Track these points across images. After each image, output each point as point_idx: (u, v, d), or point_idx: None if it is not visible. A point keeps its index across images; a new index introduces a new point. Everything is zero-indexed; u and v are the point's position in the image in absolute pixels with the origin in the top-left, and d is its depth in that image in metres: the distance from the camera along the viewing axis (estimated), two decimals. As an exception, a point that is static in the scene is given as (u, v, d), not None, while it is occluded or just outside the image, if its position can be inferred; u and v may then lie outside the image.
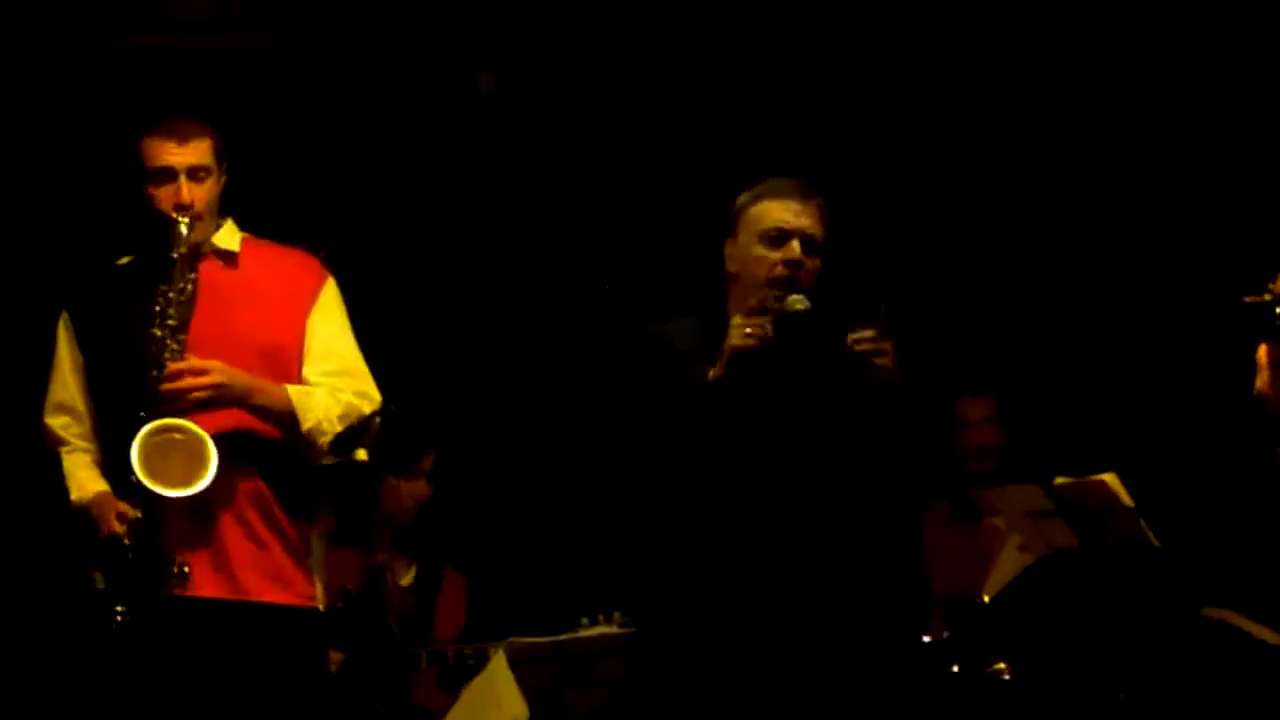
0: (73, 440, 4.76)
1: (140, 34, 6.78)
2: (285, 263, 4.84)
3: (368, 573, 6.20)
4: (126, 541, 4.50)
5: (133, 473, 4.47)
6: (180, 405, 4.52)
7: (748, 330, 4.18)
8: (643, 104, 7.01)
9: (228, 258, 4.77)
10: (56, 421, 4.79)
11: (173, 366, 4.54)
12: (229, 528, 4.63)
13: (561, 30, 6.97)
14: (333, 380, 4.75)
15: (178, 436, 4.50)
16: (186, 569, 4.52)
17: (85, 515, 4.62)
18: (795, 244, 4.28)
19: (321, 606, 4.81)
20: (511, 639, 5.39)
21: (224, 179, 4.76)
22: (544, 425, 6.90)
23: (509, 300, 7.13)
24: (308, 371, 4.76)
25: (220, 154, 4.74)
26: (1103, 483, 5.49)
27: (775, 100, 6.97)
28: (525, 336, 7.10)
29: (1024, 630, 5.81)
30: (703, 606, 4.27)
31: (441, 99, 7.04)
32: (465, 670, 5.80)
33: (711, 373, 4.20)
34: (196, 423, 4.53)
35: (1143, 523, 5.51)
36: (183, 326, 4.60)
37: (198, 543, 4.58)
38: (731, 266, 4.37)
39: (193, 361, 4.56)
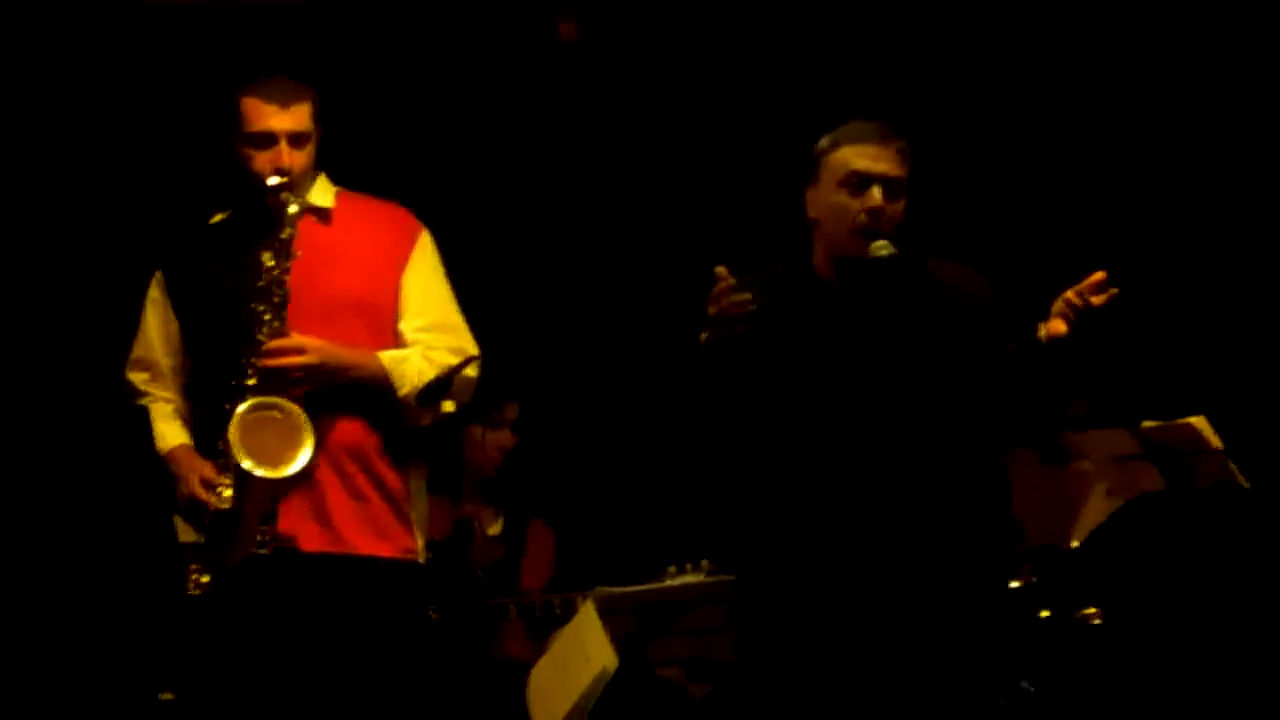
0: (153, 392, 4.79)
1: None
2: (379, 217, 4.84)
3: (456, 523, 6.22)
4: (210, 509, 4.53)
5: (227, 449, 4.51)
6: (278, 384, 4.55)
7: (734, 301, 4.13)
8: (719, 54, 6.98)
9: (322, 214, 4.77)
10: (137, 376, 4.82)
11: (270, 344, 4.56)
12: (329, 481, 4.64)
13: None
14: (428, 336, 4.76)
15: (276, 415, 4.53)
16: (269, 539, 4.54)
17: (164, 468, 4.66)
18: (876, 190, 4.23)
19: (422, 559, 4.82)
20: (599, 588, 5.40)
21: (319, 138, 4.76)
22: (629, 374, 6.90)
23: (593, 248, 7.12)
24: (404, 326, 4.77)
25: (318, 116, 4.73)
26: (1191, 426, 5.45)
27: (864, 47, 6.93)
28: (610, 285, 7.10)
29: (1114, 575, 5.79)
30: (795, 554, 4.27)
31: (523, 49, 7.02)
32: (553, 620, 5.83)
33: (703, 336, 4.16)
34: None
35: (1232, 465, 5.47)
36: (283, 302, 4.60)
37: (299, 496, 4.59)
38: (814, 213, 4.33)
39: (291, 340, 4.57)
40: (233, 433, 4.49)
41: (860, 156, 4.26)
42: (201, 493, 4.53)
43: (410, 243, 4.82)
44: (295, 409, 4.53)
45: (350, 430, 4.68)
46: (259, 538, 4.52)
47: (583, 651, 5.01)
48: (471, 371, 4.79)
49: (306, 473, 4.55)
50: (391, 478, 4.73)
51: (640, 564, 5.48)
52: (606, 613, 5.04)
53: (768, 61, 6.98)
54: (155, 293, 4.80)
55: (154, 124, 6.61)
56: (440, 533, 6.05)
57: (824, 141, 4.34)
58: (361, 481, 4.68)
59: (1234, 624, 5.73)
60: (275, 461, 4.50)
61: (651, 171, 7.09)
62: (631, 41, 7.05)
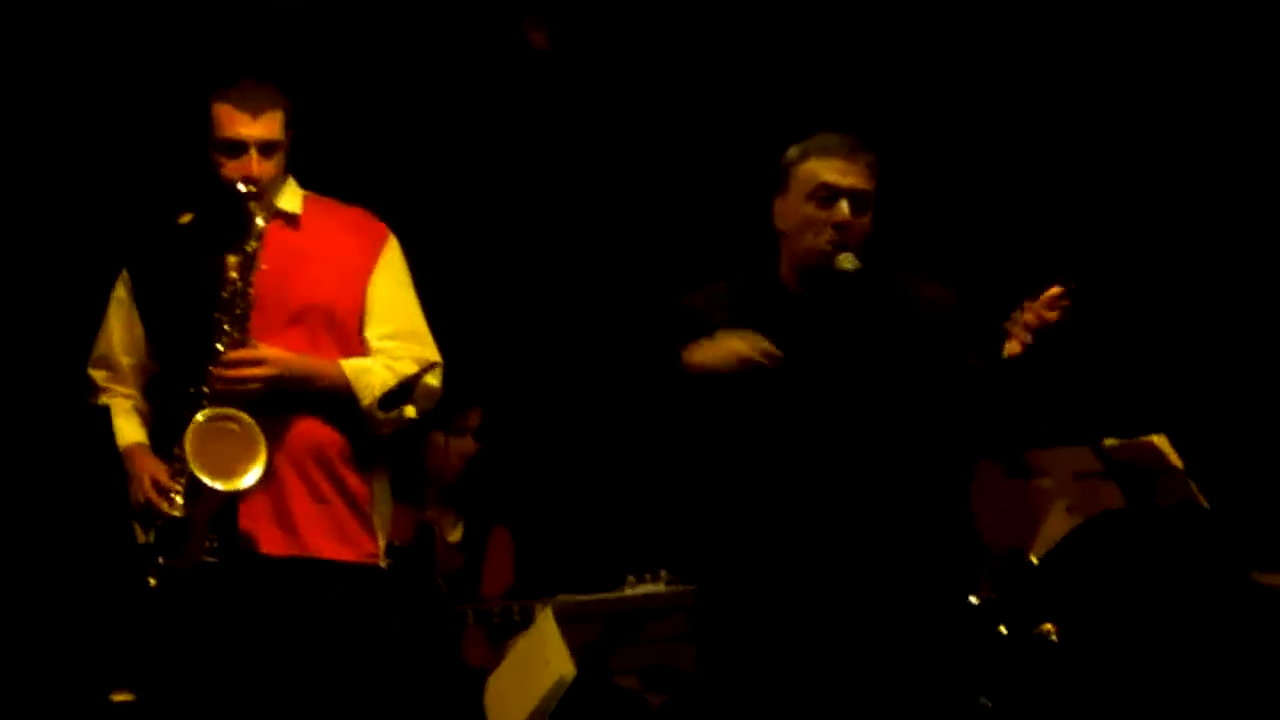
0: (113, 388, 4.78)
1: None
2: (347, 223, 4.84)
3: (417, 529, 6.21)
4: (162, 514, 4.52)
5: (182, 458, 4.50)
6: (236, 395, 4.54)
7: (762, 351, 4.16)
8: (689, 62, 6.99)
9: (290, 219, 4.77)
10: (98, 374, 4.81)
11: (230, 355, 4.56)
12: (291, 484, 4.64)
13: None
14: (393, 344, 4.76)
15: (234, 427, 4.52)
16: (216, 546, 4.52)
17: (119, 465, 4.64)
18: (844, 204, 4.23)
19: (383, 563, 4.81)
20: (559, 597, 5.41)
21: (289, 145, 4.76)
22: (591, 383, 6.90)
23: (555, 256, 7.12)
24: (369, 334, 4.77)
25: (289, 123, 4.72)
26: (1152, 444, 5.48)
27: (833, 57, 6.94)
28: (571, 293, 7.10)
29: (1072, 591, 5.80)
30: (757, 565, 4.27)
31: (492, 57, 7.02)
32: (512, 628, 5.82)
33: (696, 358, 4.18)
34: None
35: (1193, 484, 5.49)
36: (245, 313, 4.59)
37: (260, 499, 4.59)
38: (781, 224, 4.34)
39: (250, 352, 4.57)
40: (188, 443, 4.48)
41: (829, 169, 4.27)
42: (154, 497, 4.52)
43: (377, 249, 4.82)
44: (251, 421, 4.52)
45: (313, 433, 4.68)
46: (208, 544, 4.51)
47: (541, 659, 5.02)
48: (434, 379, 4.79)
49: (260, 486, 4.54)
50: (355, 481, 4.72)
51: (600, 573, 5.48)
52: (566, 621, 5.05)
53: (738, 70, 6.99)
54: (120, 291, 4.79)
55: (126, 122, 6.60)
56: (401, 539, 6.05)
57: (792, 152, 4.35)
58: (324, 485, 4.68)
59: (1192, 643, 5.75)
60: (229, 473, 4.49)
61: (617, 179, 7.10)
62: (601, 50, 7.05)
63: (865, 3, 6.91)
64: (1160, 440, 5.49)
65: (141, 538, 4.63)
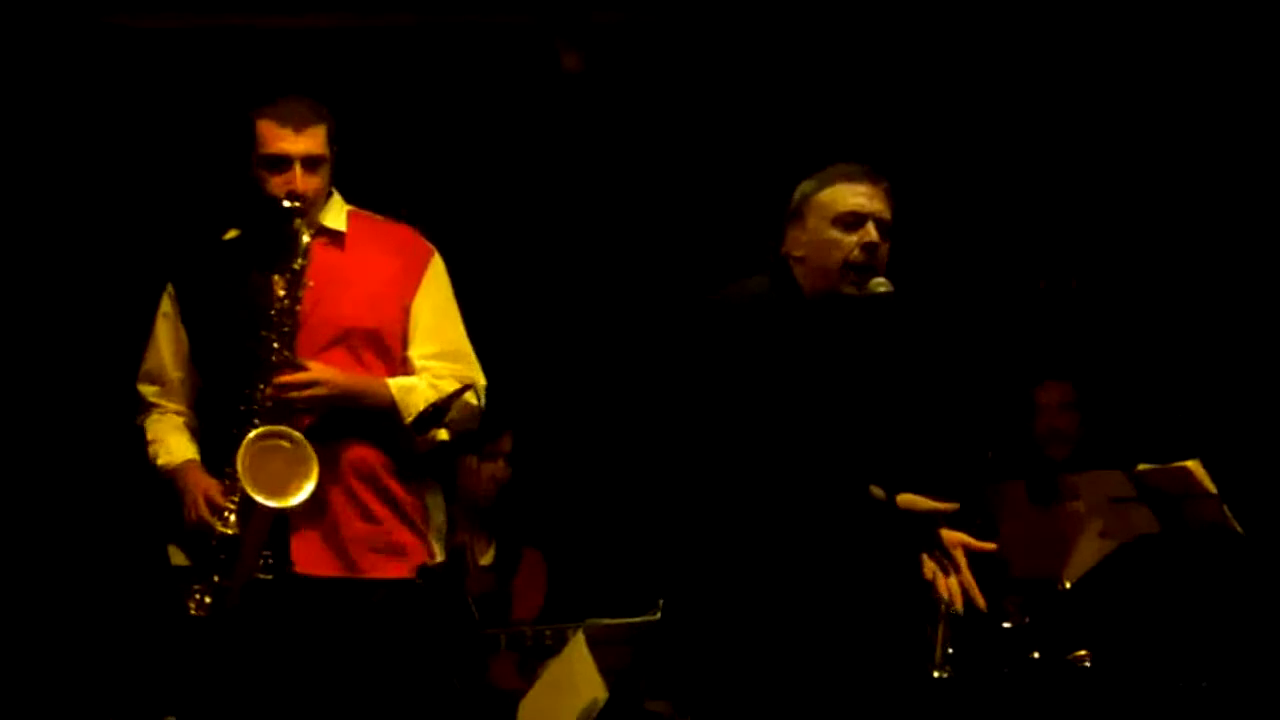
0: (163, 403, 4.79)
1: (225, 13, 6.83)
2: (392, 243, 4.84)
3: (449, 552, 6.20)
4: (215, 533, 4.53)
5: (234, 476, 4.51)
6: (287, 413, 4.56)
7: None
8: (720, 84, 7.00)
9: (334, 236, 4.78)
10: (147, 389, 4.83)
11: (284, 378, 4.57)
12: (340, 504, 4.65)
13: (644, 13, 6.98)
14: (436, 364, 4.77)
15: (285, 445, 4.53)
16: (271, 562, 4.53)
17: (170, 483, 4.66)
18: (871, 227, 4.27)
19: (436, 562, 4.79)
20: (590, 620, 5.40)
21: (334, 161, 4.77)
22: (623, 406, 6.89)
23: (591, 279, 7.12)
24: (412, 353, 4.78)
25: (333, 138, 4.73)
26: (1186, 469, 5.45)
27: (845, 84, 6.96)
28: (604, 317, 7.10)
29: (1105, 618, 5.78)
30: (750, 582, 4.26)
31: (526, 80, 7.04)
32: (544, 652, 5.81)
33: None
34: None
35: (1226, 510, 5.46)
36: (293, 331, 4.60)
37: (309, 520, 4.60)
38: (798, 251, 4.34)
39: (303, 374, 4.58)
40: (241, 461, 4.49)
41: (855, 195, 4.30)
42: (208, 516, 4.54)
43: (421, 269, 4.83)
44: (302, 439, 4.53)
45: (361, 451, 4.69)
46: (262, 562, 4.52)
47: (572, 683, 5.02)
48: (474, 399, 4.79)
49: (312, 501, 4.55)
50: (405, 496, 4.73)
51: (632, 596, 5.47)
52: (597, 645, 5.05)
53: (768, 90, 7.00)
54: (167, 306, 4.81)
55: (175, 139, 6.66)
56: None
57: (809, 183, 4.38)
58: (374, 503, 4.68)
59: (1226, 668, 5.72)
60: (282, 491, 4.50)
61: (651, 203, 7.10)
62: (633, 73, 7.06)
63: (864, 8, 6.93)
64: (1195, 465, 5.46)
65: (178, 560, 4.65)
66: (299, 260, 4.60)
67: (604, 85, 7.04)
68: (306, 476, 4.51)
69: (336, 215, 4.79)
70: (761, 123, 6.98)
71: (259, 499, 4.47)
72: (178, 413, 4.78)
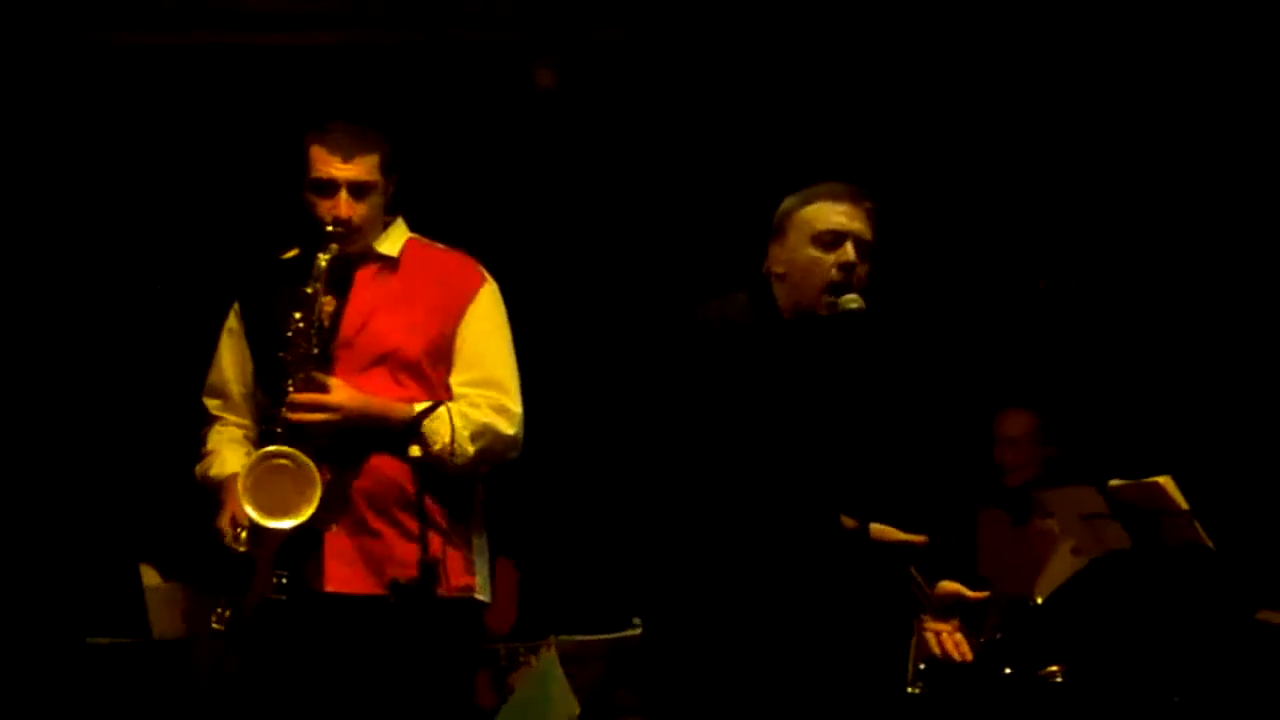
0: (226, 416, 4.84)
1: (212, 29, 6.86)
2: (443, 270, 4.86)
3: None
4: (230, 543, 4.55)
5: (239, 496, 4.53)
6: (302, 435, 4.58)
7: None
8: (695, 101, 7.02)
9: (387, 262, 4.81)
10: (211, 402, 4.88)
11: (297, 398, 4.59)
12: (376, 523, 4.65)
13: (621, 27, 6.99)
14: (473, 391, 4.78)
15: (287, 464, 4.54)
16: (285, 582, 4.54)
17: (215, 494, 4.68)
18: (849, 246, 4.31)
19: (481, 595, 4.78)
20: (563, 637, 5.40)
21: (392, 188, 4.80)
22: (597, 420, 6.91)
23: (562, 294, 7.13)
24: (452, 379, 4.80)
25: (388, 165, 4.77)
26: (1158, 485, 5.47)
27: (828, 98, 6.97)
28: (578, 328, 7.10)
29: (1077, 633, 5.79)
30: (725, 600, 4.27)
31: (500, 96, 7.06)
32: (517, 668, 5.81)
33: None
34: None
35: (1198, 525, 5.48)
36: (307, 355, 4.62)
37: (344, 540, 4.62)
38: (778, 268, 4.38)
39: (316, 397, 4.59)
40: (243, 481, 4.52)
41: (835, 213, 4.33)
42: (228, 530, 4.56)
43: (467, 297, 4.84)
44: (306, 460, 4.54)
45: (393, 470, 4.67)
46: (276, 582, 4.54)
47: (546, 699, 5.02)
48: (506, 427, 4.78)
49: (348, 519, 4.59)
50: (441, 515, 4.71)
51: (605, 612, 5.47)
52: (570, 660, 5.05)
53: (768, 90, 7.02)
54: (233, 322, 4.87)
55: (245, 159, 6.69)
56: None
57: (792, 199, 4.40)
58: (408, 521, 4.64)
59: (1197, 683, 5.73)
60: (283, 511, 4.52)
61: (625, 217, 7.11)
62: (608, 89, 7.08)
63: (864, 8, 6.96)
64: (1166, 481, 5.48)
65: (150, 580, 4.65)
66: (311, 284, 4.62)
67: (592, 102, 7.06)
68: (309, 500, 4.52)
69: (393, 242, 4.84)
70: (754, 130, 7.00)
71: (256, 518, 4.49)
72: (238, 426, 4.83)
